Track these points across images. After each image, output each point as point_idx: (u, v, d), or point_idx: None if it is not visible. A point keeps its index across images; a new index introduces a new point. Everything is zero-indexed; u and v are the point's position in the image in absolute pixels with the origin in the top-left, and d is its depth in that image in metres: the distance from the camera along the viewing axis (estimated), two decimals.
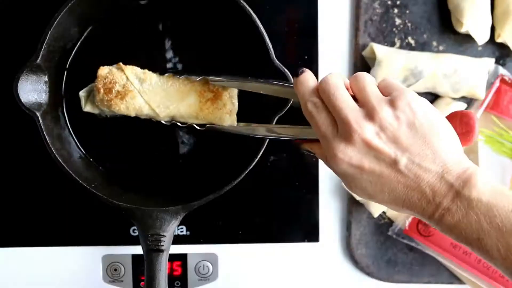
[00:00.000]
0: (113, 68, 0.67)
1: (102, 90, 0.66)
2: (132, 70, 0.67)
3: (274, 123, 0.66)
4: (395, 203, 0.52)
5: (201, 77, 0.67)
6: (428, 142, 0.51)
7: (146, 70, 0.68)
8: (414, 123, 0.51)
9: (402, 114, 0.51)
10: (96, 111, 0.69)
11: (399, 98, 0.51)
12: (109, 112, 0.68)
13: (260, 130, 0.66)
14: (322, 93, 0.54)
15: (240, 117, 0.69)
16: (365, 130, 0.51)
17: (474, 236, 0.48)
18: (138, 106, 0.67)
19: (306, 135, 0.61)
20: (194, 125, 0.68)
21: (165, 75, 0.68)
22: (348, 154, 0.51)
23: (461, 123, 0.54)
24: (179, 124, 0.69)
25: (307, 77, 0.56)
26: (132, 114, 0.67)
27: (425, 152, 0.50)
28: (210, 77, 0.67)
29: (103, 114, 0.70)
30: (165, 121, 0.69)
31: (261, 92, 0.65)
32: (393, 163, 0.51)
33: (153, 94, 0.67)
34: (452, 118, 0.55)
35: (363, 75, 0.54)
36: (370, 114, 0.51)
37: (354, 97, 0.54)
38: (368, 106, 0.52)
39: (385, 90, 0.53)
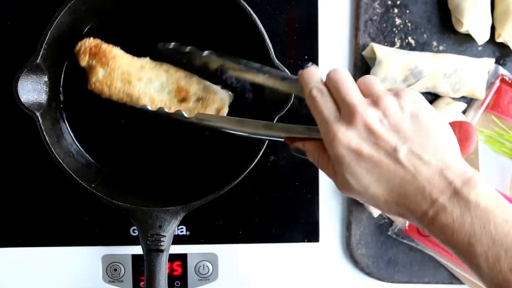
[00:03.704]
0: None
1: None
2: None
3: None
4: (389, 196, 0.50)
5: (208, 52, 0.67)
6: (431, 136, 0.50)
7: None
8: (418, 115, 0.50)
9: (407, 105, 0.50)
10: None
11: (405, 92, 0.51)
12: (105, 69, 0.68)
13: (251, 125, 0.62)
14: (329, 80, 0.53)
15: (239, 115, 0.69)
16: (369, 113, 0.50)
17: (465, 240, 0.47)
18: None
19: (299, 133, 0.59)
20: (184, 114, 0.66)
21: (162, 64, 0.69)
22: (348, 136, 0.50)
23: (460, 130, 0.54)
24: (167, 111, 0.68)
25: (314, 68, 0.55)
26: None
27: (426, 145, 0.49)
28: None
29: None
30: (152, 109, 0.68)
31: (262, 83, 0.63)
32: (393, 151, 0.49)
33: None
34: (452, 125, 0.55)
35: (371, 77, 0.54)
36: (375, 101, 0.51)
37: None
38: (374, 95, 0.51)
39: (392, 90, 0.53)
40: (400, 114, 0.50)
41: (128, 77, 0.67)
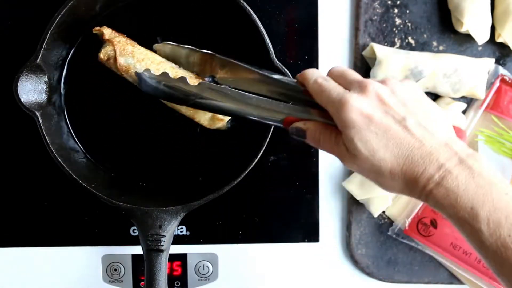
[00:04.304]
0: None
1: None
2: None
3: None
4: (396, 161, 0.51)
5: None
6: (433, 117, 0.53)
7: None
8: (421, 99, 0.54)
9: (408, 90, 0.54)
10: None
11: (406, 82, 0.55)
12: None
13: (253, 102, 0.59)
14: (333, 72, 0.57)
15: None
16: (380, 87, 0.53)
17: (468, 205, 0.49)
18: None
19: (301, 113, 0.58)
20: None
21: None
22: (360, 101, 0.52)
23: None
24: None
25: (314, 69, 0.59)
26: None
27: (431, 121, 0.52)
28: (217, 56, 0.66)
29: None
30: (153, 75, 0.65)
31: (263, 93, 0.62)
32: (402, 120, 0.52)
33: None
34: None
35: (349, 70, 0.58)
36: (382, 82, 0.54)
37: None
38: (379, 80, 0.55)
39: None
40: (405, 93, 0.54)
41: (146, 56, 0.68)
